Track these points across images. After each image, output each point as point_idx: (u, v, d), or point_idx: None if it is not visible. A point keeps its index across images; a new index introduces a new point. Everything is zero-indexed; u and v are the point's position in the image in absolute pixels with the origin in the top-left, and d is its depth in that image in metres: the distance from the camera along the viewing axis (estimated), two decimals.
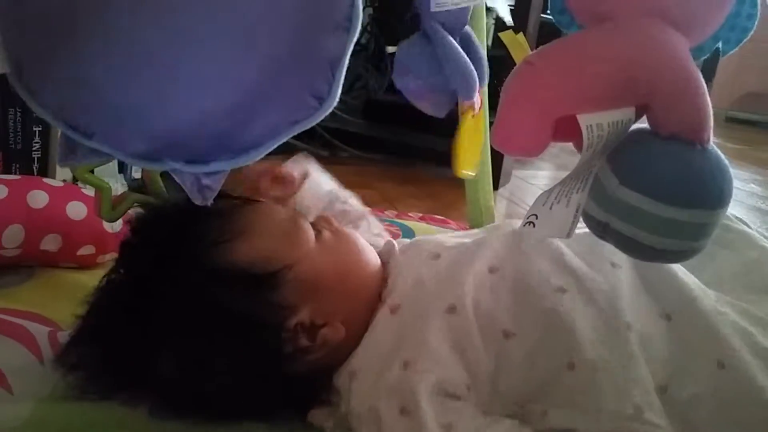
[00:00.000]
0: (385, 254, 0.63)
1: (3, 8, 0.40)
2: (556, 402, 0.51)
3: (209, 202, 0.43)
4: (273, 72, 0.39)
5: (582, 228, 0.59)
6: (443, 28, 0.49)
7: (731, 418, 0.49)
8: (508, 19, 0.54)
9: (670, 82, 0.41)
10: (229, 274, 0.51)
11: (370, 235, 0.76)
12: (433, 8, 0.48)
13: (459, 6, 0.49)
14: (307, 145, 1.62)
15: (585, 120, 0.41)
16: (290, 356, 0.52)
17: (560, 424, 0.51)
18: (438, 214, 1.17)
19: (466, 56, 0.47)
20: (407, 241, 0.67)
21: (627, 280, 0.56)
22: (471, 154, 0.57)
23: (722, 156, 0.42)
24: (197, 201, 0.42)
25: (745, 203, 1.60)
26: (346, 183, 1.44)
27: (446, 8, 0.48)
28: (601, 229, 0.45)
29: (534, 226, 0.48)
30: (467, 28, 0.53)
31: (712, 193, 0.41)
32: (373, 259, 0.61)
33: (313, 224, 0.59)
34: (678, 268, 0.57)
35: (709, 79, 2.24)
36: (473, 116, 0.53)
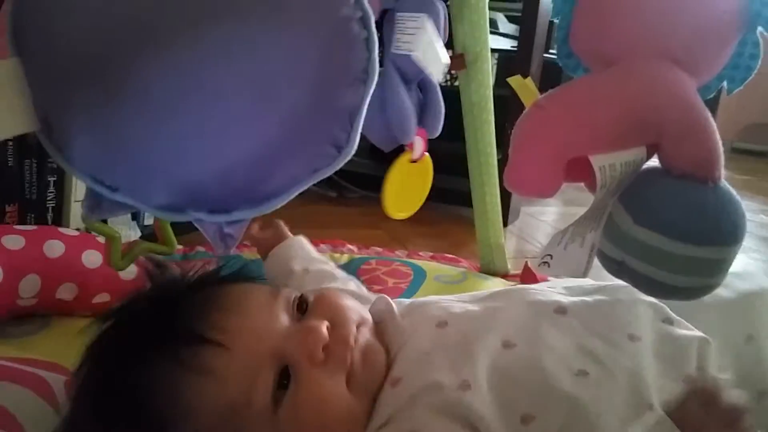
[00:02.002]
0: (381, 314, 0.57)
1: (32, 67, 0.41)
2: None
3: (231, 250, 0.43)
4: (294, 124, 0.40)
5: (593, 296, 0.59)
6: (403, 73, 0.51)
7: None
8: (438, 78, 0.56)
9: (679, 121, 0.41)
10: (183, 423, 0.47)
11: (360, 293, 0.73)
12: (393, 50, 0.49)
13: (412, 53, 0.51)
14: (316, 186, 1.64)
15: (598, 161, 0.42)
16: None
17: None
18: (448, 253, 1.17)
19: (408, 105, 0.50)
20: (405, 301, 0.61)
21: (650, 354, 0.53)
22: (405, 196, 0.58)
23: (734, 192, 0.43)
24: (219, 250, 0.43)
25: (756, 234, 1.60)
26: (355, 224, 1.45)
27: (402, 52, 0.50)
28: (616, 268, 0.45)
29: (549, 266, 0.48)
30: (430, 77, 0.55)
31: (725, 230, 0.41)
32: (349, 421, 0.50)
33: (284, 364, 0.49)
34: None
35: (713, 111, 2.25)
36: (410, 160, 0.54)
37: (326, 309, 0.53)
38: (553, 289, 0.60)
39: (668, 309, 0.58)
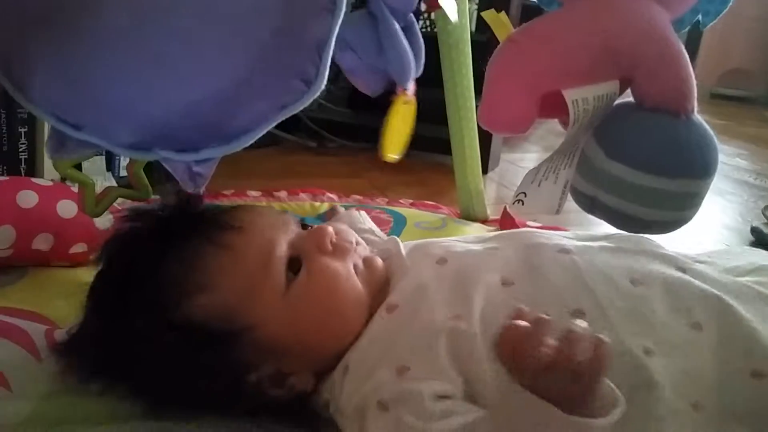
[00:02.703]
0: (388, 252, 0.59)
1: None
2: None
3: (201, 189, 0.43)
4: (259, 58, 0.39)
5: (598, 242, 0.59)
6: (393, 12, 0.49)
7: None
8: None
9: (652, 53, 0.41)
10: (185, 329, 0.49)
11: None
12: None
13: None
14: (295, 136, 1.62)
15: (570, 95, 0.42)
16: (256, 398, 0.51)
17: None
18: (429, 201, 1.17)
19: (406, 43, 0.48)
20: (411, 243, 0.62)
21: (652, 297, 0.52)
22: (398, 139, 0.57)
23: (707, 126, 0.43)
24: (189, 188, 0.42)
25: (732, 177, 1.62)
26: (335, 173, 1.45)
27: None
28: (589, 203, 0.46)
29: (523, 204, 0.49)
30: (411, 15, 0.53)
31: (697, 163, 0.41)
32: (356, 309, 0.54)
33: (297, 249, 0.54)
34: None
35: (693, 56, 2.23)
36: (405, 103, 0.53)
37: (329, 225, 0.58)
38: (558, 234, 0.60)
39: (684, 259, 0.57)
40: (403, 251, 0.59)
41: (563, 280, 0.52)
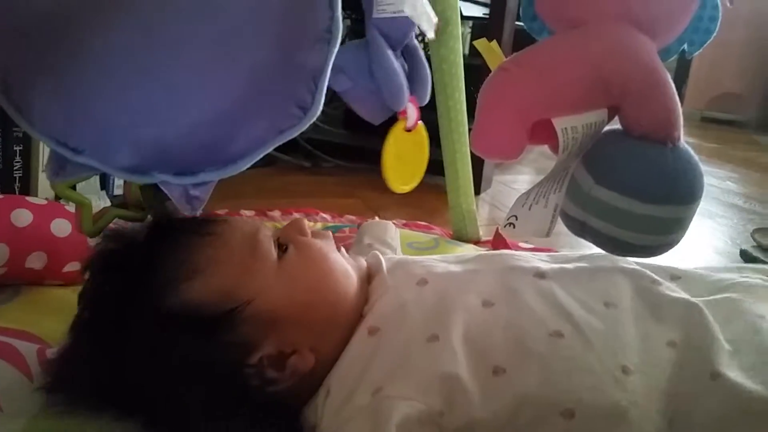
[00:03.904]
0: (371, 268, 0.60)
1: None
2: None
3: (198, 212, 0.44)
4: (256, 83, 0.40)
5: (574, 263, 0.60)
6: (387, 39, 0.50)
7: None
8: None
9: (640, 83, 0.42)
10: (182, 317, 0.49)
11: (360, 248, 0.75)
12: (375, 15, 0.49)
13: (397, 15, 0.50)
14: (290, 156, 1.63)
15: (560, 123, 0.43)
16: (259, 389, 0.51)
17: None
18: (421, 221, 1.17)
19: (398, 68, 0.49)
20: (395, 258, 0.64)
21: (625, 317, 0.54)
22: (405, 168, 0.58)
23: (692, 153, 0.44)
24: (186, 212, 0.43)
25: (722, 200, 1.63)
26: (330, 193, 1.45)
27: (385, 15, 0.49)
28: (579, 228, 0.46)
29: (514, 227, 0.49)
30: (414, 42, 0.54)
31: (683, 189, 0.42)
32: (345, 281, 0.57)
33: (281, 238, 0.56)
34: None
35: (683, 81, 2.26)
36: (405, 129, 0.54)
37: None
38: (536, 256, 0.61)
39: (652, 274, 0.58)
40: (385, 268, 0.60)
41: (541, 304, 0.53)
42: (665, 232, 0.43)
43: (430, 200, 1.42)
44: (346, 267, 0.57)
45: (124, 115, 0.41)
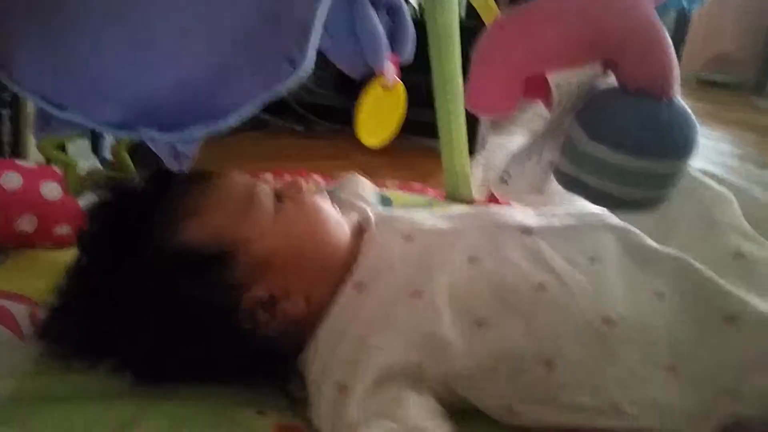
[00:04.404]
0: (361, 223, 0.62)
1: None
2: (524, 395, 0.51)
3: (185, 168, 0.43)
4: (245, 39, 0.39)
5: (561, 219, 0.60)
6: None
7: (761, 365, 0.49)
8: None
9: (637, 38, 0.41)
10: (180, 255, 0.50)
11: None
12: None
13: None
14: (282, 120, 1.62)
15: (554, 79, 0.42)
16: (251, 332, 0.52)
17: (529, 419, 0.51)
18: (416, 183, 1.17)
19: (379, 27, 0.49)
20: (384, 213, 0.65)
21: (611, 271, 0.55)
22: (378, 124, 0.57)
23: (687, 108, 0.43)
24: (173, 168, 0.42)
25: (716, 161, 1.64)
26: (323, 156, 1.45)
27: None
28: (571, 183, 0.46)
29: (507, 183, 0.49)
30: (398, 0, 0.54)
31: (677, 144, 0.42)
32: (339, 232, 0.59)
33: (278, 192, 0.57)
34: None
35: (681, 42, 2.24)
36: (383, 87, 0.54)
37: None
38: (523, 213, 0.62)
39: (639, 233, 0.59)
40: (374, 223, 0.61)
41: (526, 260, 0.54)
42: (657, 187, 0.43)
43: (424, 163, 1.42)
44: (339, 219, 0.59)
45: (109, 71, 0.40)
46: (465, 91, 0.45)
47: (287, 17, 0.40)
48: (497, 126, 1.64)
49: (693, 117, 0.43)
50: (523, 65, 0.42)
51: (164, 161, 0.43)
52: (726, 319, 0.51)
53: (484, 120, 1.50)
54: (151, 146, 0.42)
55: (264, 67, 0.40)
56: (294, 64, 0.39)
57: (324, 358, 0.51)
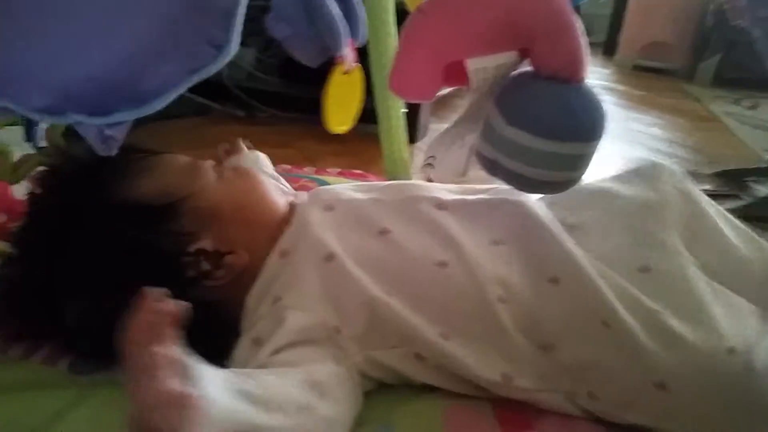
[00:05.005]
0: (293, 203, 0.66)
1: None
2: (426, 362, 0.54)
3: (113, 152, 0.44)
4: (168, 22, 0.40)
5: (477, 195, 0.63)
6: None
7: (618, 375, 0.52)
8: None
9: (548, 25, 0.44)
10: (129, 209, 0.54)
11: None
12: None
13: None
14: (224, 106, 1.61)
15: (472, 64, 0.44)
16: (194, 281, 0.55)
17: (431, 383, 0.55)
18: (357, 170, 1.19)
19: (337, 11, 0.50)
20: (313, 190, 0.69)
21: (511, 255, 0.58)
22: (342, 110, 0.59)
23: (596, 92, 0.46)
24: (101, 152, 0.43)
25: (647, 145, 1.70)
26: (266, 143, 1.44)
27: None
28: (491, 167, 0.48)
29: (433, 167, 0.51)
30: None
31: (586, 127, 0.45)
32: (276, 196, 0.64)
33: (216, 168, 0.63)
34: (565, 239, 0.59)
35: (618, 30, 2.30)
36: (344, 72, 0.55)
37: None
38: (442, 188, 0.65)
39: (550, 211, 0.62)
40: (302, 195, 0.67)
41: (434, 233, 0.57)
42: (569, 169, 0.46)
43: (366, 149, 1.43)
44: (277, 187, 0.66)
45: (34, 57, 0.40)
46: (389, 74, 0.47)
47: (211, 2, 0.41)
48: (438, 113, 1.66)
49: (600, 101, 0.46)
50: (444, 51, 0.45)
51: (93, 145, 0.43)
52: (603, 323, 0.53)
53: (425, 107, 1.52)
54: (78, 130, 0.43)
55: (188, 52, 0.41)
56: (219, 48, 0.41)
57: (248, 318, 0.55)
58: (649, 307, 0.53)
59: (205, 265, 0.56)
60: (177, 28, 0.40)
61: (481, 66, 0.44)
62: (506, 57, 0.45)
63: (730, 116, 2.11)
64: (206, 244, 0.56)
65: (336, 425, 0.48)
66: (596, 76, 2.74)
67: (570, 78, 0.45)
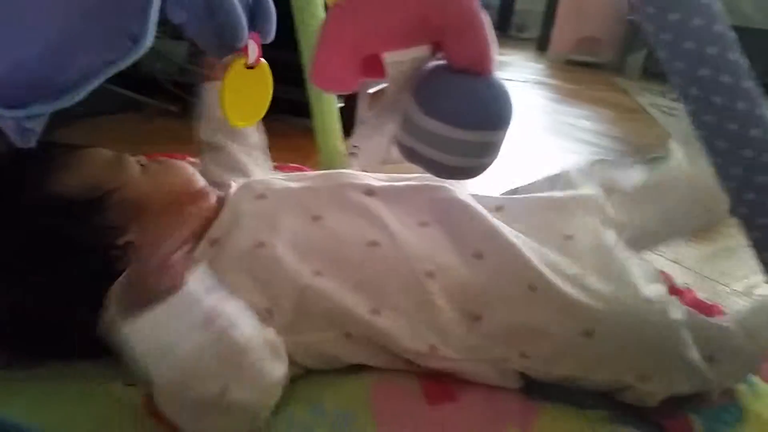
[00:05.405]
0: (225, 193, 0.67)
1: None
2: (356, 340, 0.57)
3: (32, 144, 0.44)
4: (83, 15, 0.40)
5: (405, 182, 0.66)
6: None
7: (547, 331, 0.57)
8: None
9: (457, 20, 0.46)
10: (54, 204, 0.54)
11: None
12: None
13: None
14: (156, 101, 1.58)
15: (388, 58, 0.47)
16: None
17: (359, 361, 0.58)
18: (294, 164, 1.19)
19: (237, 4, 0.50)
20: (243, 182, 0.70)
21: (437, 234, 0.62)
22: (246, 105, 0.60)
23: (503, 84, 0.49)
24: (20, 144, 0.43)
25: (575, 136, 1.77)
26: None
27: None
28: (410, 155, 0.51)
29: (357, 155, 0.54)
30: None
31: (494, 117, 0.48)
32: (202, 187, 0.64)
33: (141, 163, 0.63)
34: (489, 216, 0.64)
35: (551, 25, 2.36)
36: (245, 65, 0.56)
37: None
38: (372, 176, 0.67)
39: (469, 195, 0.66)
40: (232, 187, 0.67)
41: (365, 217, 0.60)
42: (480, 156, 0.49)
43: (303, 143, 1.44)
44: (202, 179, 0.66)
45: None
46: (310, 67, 0.49)
47: None
48: (375, 106, 1.68)
49: (508, 92, 0.49)
50: (360, 45, 0.46)
51: (11, 137, 0.43)
52: (530, 287, 0.58)
53: (362, 101, 1.54)
54: None
55: (104, 44, 0.41)
56: (135, 41, 0.41)
57: None
58: (572, 269, 0.58)
59: (134, 258, 0.56)
60: (93, 22, 0.41)
61: (396, 60, 0.46)
62: (420, 51, 0.47)
63: (656, 108, 2.20)
64: (134, 237, 0.57)
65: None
66: (530, 71, 2.83)
67: (479, 71, 0.47)
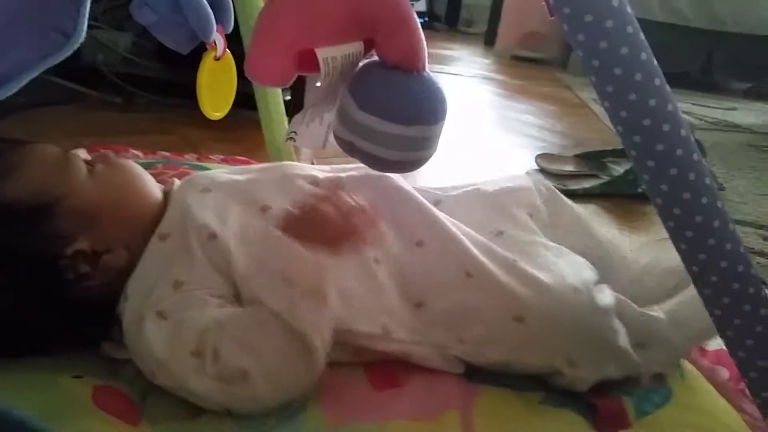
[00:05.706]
0: (167, 189, 0.66)
1: None
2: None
3: None
4: (15, 12, 0.40)
5: (348, 173, 0.67)
6: None
7: (481, 315, 0.59)
8: None
9: (388, 19, 0.48)
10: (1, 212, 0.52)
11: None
12: None
13: None
14: (98, 92, 1.54)
15: (321, 53, 0.48)
16: (72, 283, 0.55)
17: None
18: (241, 156, 1.19)
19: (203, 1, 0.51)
20: (186, 178, 0.69)
21: (378, 216, 0.64)
22: (217, 96, 0.61)
23: (436, 80, 0.51)
24: None
25: (519, 131, 1.81)
26: (145, 130, 1.41)
27: None
28: (348, 148, 0.52)
29: (295, 141, 0.55)
30: None
31: (427, 112, 0.50)
32: (151, 187, 0.63)
33: (88, 161, 0.60)
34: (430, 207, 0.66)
35: (497, 21, 2.41)
36: (216, 58, 0.57)
37: None
38: (316, 167, 0.69)
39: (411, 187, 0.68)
40: (176, 183, 0.66)
41: None
42: (416, 149, 0.51)
43: (249, 136, 1.43)
44: (151, 179, 0.64)
45: None
46: (244, 61, 0.50)
47: None
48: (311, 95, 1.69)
49: (440, 88, 0.51)
50: (294, 40, 0.48)
51: None
52: (467, 274, 0.61)
53: (309, 91, 1.54)
54: None
55: (37, 39, 0.41)
56: (67, 36, 0.41)
57: (137, 307, 0.55)
58: (506, 255, 0.61)
59: (83, 267, 0.55)
60: (25, 18, 0.41)
61: (329, 55, 0.48)
62: (353, 47, 0.49)
63: (598, 103, 2.27)
64: (83, 245, 0.55)
65: None
66: (478, 66, 2.87)
67: (411, 68, 0.49)
